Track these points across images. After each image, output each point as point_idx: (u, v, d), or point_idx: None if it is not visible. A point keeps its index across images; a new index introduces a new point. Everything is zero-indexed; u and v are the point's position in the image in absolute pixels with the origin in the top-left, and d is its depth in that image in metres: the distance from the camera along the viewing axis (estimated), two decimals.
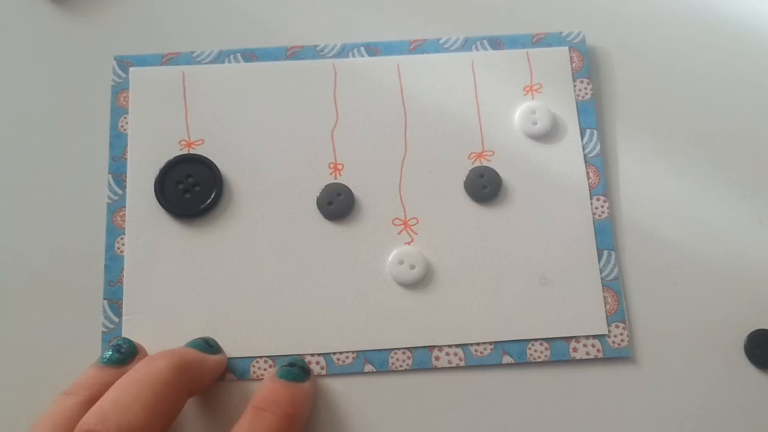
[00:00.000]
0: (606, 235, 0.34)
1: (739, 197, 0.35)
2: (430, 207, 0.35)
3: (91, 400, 0.27)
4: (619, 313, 0.33)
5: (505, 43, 0.37)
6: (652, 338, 0.33)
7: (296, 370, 0.31)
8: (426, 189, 0.35)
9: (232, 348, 0.33)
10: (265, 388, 0.31)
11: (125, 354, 0.31)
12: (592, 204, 0.34)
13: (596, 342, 0.33)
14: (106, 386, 0.29)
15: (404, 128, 0.36)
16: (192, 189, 0.35)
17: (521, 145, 0.35)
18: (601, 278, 0.33)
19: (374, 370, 0.32)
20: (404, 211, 0.35)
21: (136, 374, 0.28)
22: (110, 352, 0.31)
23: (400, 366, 0.32)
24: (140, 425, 0.26)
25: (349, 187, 0.35)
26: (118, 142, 0.35)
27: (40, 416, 0.28)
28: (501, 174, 0.35)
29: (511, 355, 0.32)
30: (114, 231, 0.34)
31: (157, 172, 0.35)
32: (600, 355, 0.32)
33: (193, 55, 0.37)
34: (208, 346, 0.32)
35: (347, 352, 0.33)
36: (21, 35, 0.38)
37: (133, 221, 0.34)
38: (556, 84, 0.36)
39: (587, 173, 0.35)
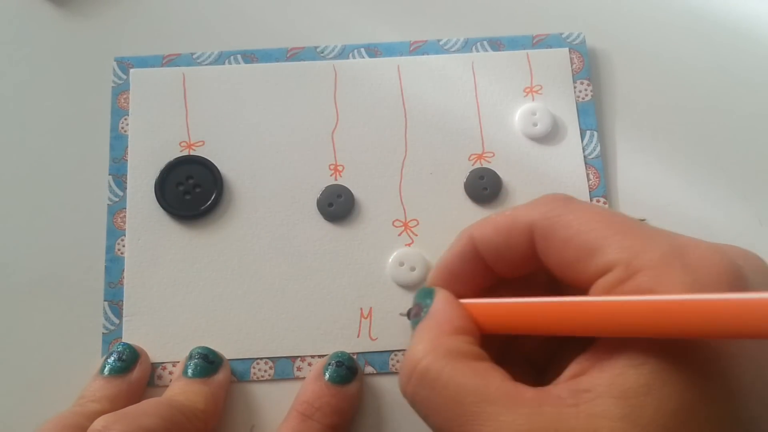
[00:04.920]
0: None
1: (739, 198, 0.35)
2: (430, 208, 0.35)
3: (99, 413, 0.27)
4: None
5: (506, 45, 0.37)
6: None
7: (344, 371, 0.30)
8: (426, 190, 0.35)
9: (232, 349, 0.32)
10: (311, 391, 0.30)
11: (127, 361, 0.30)
12: None
13: None
14: (114, 398, 0.28)
15: (404, 129, 0.36)
16: (192, 190, 0.35)
17: (521, 147, 0.35)
18: None
19: (375, 371, 0.32)
20: (404, 212, 0.35)
21: (158, 398, 0.28)
22: (112, 361, 0.30)
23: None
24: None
25: (350, 188, 0.35)
26: (118, 143, 0.35)
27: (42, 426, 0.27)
28: (501, 175, 0.35)
29: None
30: (114, 232, 0.34)
31: (157, 174, 0.35)
32: None
33: (194, 56, 0.37)
34: (209, 363, 0.31)
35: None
36: (21, 36, 0.38)
37: (134, 222, 0.34)
38: (556, 85, 0.36)
39: (587, 174, 0.35)
